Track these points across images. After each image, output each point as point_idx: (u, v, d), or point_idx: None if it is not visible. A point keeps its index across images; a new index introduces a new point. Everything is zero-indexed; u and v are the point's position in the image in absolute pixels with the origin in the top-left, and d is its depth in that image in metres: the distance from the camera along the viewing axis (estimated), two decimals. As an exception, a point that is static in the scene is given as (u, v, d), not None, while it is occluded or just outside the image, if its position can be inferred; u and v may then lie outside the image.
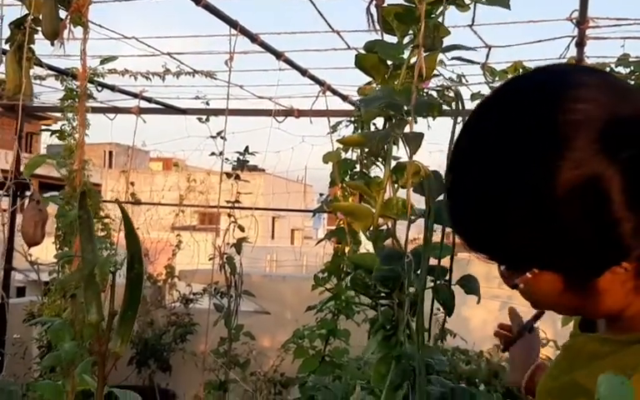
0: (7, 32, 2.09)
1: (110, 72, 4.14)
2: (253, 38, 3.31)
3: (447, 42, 1.67)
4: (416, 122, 1.47)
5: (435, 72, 1.73)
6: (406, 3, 1.63)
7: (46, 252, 4.65)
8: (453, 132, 1.44)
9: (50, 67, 3.50)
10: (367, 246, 3.11)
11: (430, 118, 1.91)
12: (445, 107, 1.84)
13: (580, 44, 2.94)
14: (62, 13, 2.08)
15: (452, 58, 1.60)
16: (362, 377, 3.10)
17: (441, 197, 1.57)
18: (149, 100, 4.70)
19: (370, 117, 1.67)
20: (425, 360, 1.57)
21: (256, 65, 4.23)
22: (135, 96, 4.53)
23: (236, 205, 4.78)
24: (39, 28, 2.07)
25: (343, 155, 4.17)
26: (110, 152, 20.76)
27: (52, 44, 2.02)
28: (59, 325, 2.10)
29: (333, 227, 4.40)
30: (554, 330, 4.47)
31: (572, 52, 2.94)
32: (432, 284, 1.66)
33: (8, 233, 4.21)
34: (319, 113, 4.42)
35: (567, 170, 0.74)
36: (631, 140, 0.76)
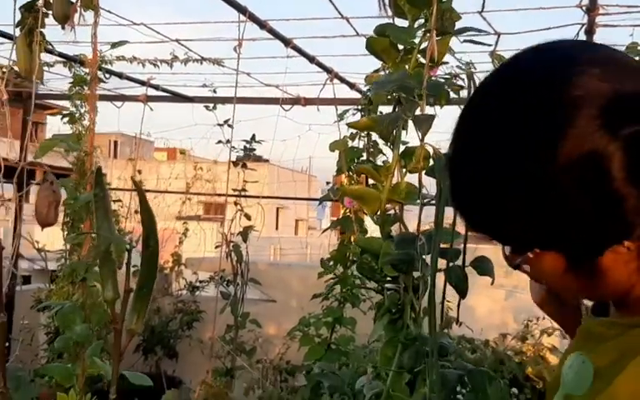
0: (18, 16, 2.09)
1: (118, 59, 4.15)
2: (262, 25, 3.31)
3: (457, 28, 1.67)
4: (428, 104, 1.48)
5: (444, 59, 1.74)
6: (418, -13, 1.63)
7: (52, 240, 4.68)
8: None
9: (58, 54, 3.50)
10: (373, 235, 3.12)
11: (437, 107, 1.91)
12: (453, 94, 1.84)
13: (589, 31, 2.94)
14: (73, -2, 2.09)
15: (464, 41, 1.60)
16: (368, 364, 3.11)
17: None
18: (156, 88, 4.70)
19: (380, 100, 1.67)
20: (439, 343, 1.58)
21: (263, 52, 4.23)
22: (142, 83, 4.54)
23: (242, 193, 4.79)
24: (50, 12, 2.08)
25: (350, 143, 4.17)
26: (115, 142, 20.79)
27: (63, 28, 2.03)
28: (70, 308, 2.12)
29: (337, 218, 4.41)
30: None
31: (582, 39, 2.94)
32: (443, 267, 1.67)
33: (15, 221, 4.23)
34: (326, 102, 4.42)
35: (569, 146, 0.74)
36: (633, 117, 0.75)
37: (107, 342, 2.37)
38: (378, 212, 1.84)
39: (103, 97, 4.25)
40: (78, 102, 3.58)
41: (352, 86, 4.59)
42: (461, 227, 1.82)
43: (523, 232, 0.80)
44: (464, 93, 1.84)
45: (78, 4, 1.98)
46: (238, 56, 3.15)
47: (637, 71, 0.80)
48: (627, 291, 0.85)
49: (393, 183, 1.73)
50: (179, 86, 4.93)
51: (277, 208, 21.04)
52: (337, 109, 4.09)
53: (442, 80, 1.76)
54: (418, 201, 1.66)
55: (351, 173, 4.08)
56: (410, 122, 1.60)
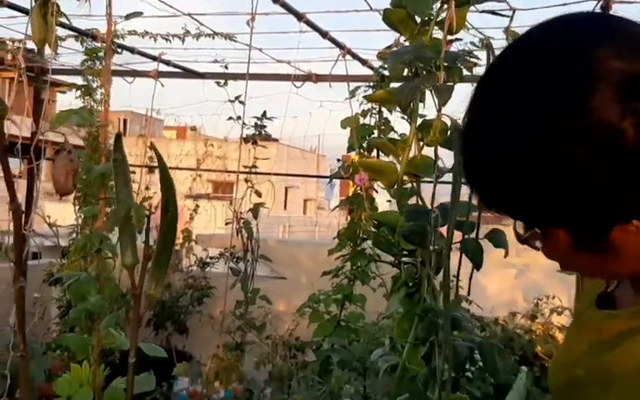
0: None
1: (130, 34, 4.14)
2: (275, -1, 3.30)
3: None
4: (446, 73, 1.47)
5: (458, 36, 1.72)
6: (435, -43, 1.62)
7: (64, 215, 4.70)
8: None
9: (70, 27, 3.50)
10: (385, 211, 3.12)
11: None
12: (466, 72, 1.83)
13: (605, 8, 2.91)
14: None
15: (482, 12, 1.59)
16: (379, 341, 3.12)
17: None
18: (167, 63, 4.69)
19: (397, 73, 1.67)
20: (452, 315, 1.58)
21: (276, 27, 4.21)
22: (154, 58, 4.53)
23: (253, 170, 4.79)
24: (64, -17, 2.07)
25: (361, 120, 4.17)
26: (125, 120, 20.82)
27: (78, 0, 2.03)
28: (85, 279, 2.13)
29: (348, 196, 4.41)
30: (569, 297, 4.48)
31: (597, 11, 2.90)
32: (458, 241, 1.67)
33: (27, 196, 4.25)
34: (338, 78, 4.40)
35: (583, 120, 0.73)
36: None
37: (119, 316, 2.38)
38: (395, 186, 1.84)
39: (115, 73, 4.24)
40: (90, 77, 3.58)
41: (364, 62, 4.57)
42: (476, 201, 1.82)
43: (535, 207, 0.79)
44: (477, 70, 1.83)
45: (93, -25, 1.98)
46: (251, 30, 3.14)
47: None
48: None
49: (410, 156, 1.73)
50: (190, 61, 4.92)
51: (286, 188, 21.06)
52: (348, 86, 4.08)
53: (460, 52, 1.75)
54: (435, 174, 1.66)
55: (362, 151, 4.07)
56: (427, 95, 1.60)
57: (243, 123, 4.50)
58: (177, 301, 5.26)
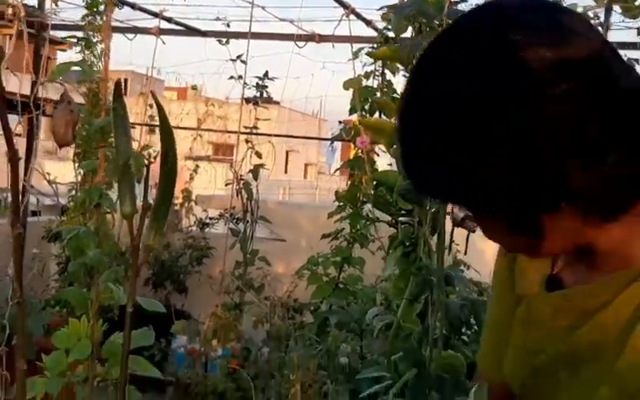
0: None
1: (132, -12, 4.09)
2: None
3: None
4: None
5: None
6: None
7: (63, 173, 4.69)
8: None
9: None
10: (385, 173, 3.11)
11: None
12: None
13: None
14: None
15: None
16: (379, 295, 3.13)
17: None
18: (169, 20, 4.64)
19: (401, 28, 1.64)
20: (445, 273, 1.59)
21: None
22: (155, 15, 4.47)
23: (254, 131, 4.78)
24: None
25: (364, 82, 4.14)
26: (125, 80, 20.68)
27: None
28: (84, 233, 2.13)
29: (349, 159, 4.40)
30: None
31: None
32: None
33: (26, 152, 4.23)
34: (341, 39, 4.36)
35: (505, 111, 0.75)
36: (571, 80, 0.76)
37: (118, 271, 2.39)
38: (395, 146, 1.83)
39: (115, 29, 4.19)
40: (91, 33, 3.54)
41: (368, 23, 4.52)
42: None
43: (465, 195, 0.82)
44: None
45: None
46: (255, -14, 3.09)
47: (578, 36, 0.80)
48: (584, 247, 0.86)
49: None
50: (192, 19, 4.87)
51: (287, 152, 21.01)
52: (352, 47, 4.03)
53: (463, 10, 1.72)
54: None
55: (364, 113, 4.05)
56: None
57: (245, 83, 4.47)
58: (176, 260, 5.28)
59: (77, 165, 3.86)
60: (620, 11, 2.17)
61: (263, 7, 4.39)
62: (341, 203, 4.25)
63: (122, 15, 4.35)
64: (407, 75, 0.89)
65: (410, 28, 1.74)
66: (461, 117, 0.77)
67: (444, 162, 0.79)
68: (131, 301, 1.15)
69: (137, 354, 2.24)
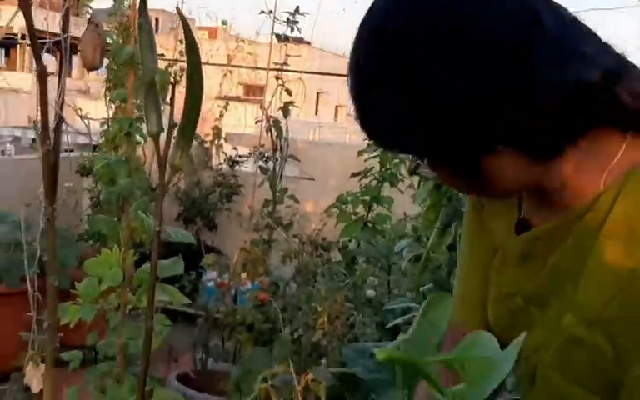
0: None
1: None
2: None
3: None
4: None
5: None
6: None
7: (95, 113, 4.71)
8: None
9: None
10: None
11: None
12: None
13: None
14: None
15: None
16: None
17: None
18: (199, -46, 4.58)
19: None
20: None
21: None
22: (185, -52, 4.41)
23: (284, 68, 4.73)
24: None
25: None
26: (157, 19, 20.63)
27: None
28: (115, 162, 2.15)
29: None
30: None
31: None
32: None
33: (58, 85, 4.26)
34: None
35: (431, 55, 0.79)
36: (493, 28, 0.80)
37: (147, 202, 2.40)
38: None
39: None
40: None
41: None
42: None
43: (406, 139, 0.86)
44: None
45: None
46: None
47: None
48: (536, 186, 0.90)
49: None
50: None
51: (318, 93, 20.85)
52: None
53: None
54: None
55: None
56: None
57: (275, 18, 4.42)
58: (206, 197, 5.33)
59: (108, 99, 3.88)
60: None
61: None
62: (371, 142, 4.21)
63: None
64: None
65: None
66: (390, 59, 0.81)
67: (381, 110, 0.84)
68: (158, 220, 1.16)
69: (168, 282, 2.28)
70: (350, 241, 4.16)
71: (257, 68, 5.99)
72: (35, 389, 1.43)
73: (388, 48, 0.81)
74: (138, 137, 2.11)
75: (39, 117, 1.15)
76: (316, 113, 20.32)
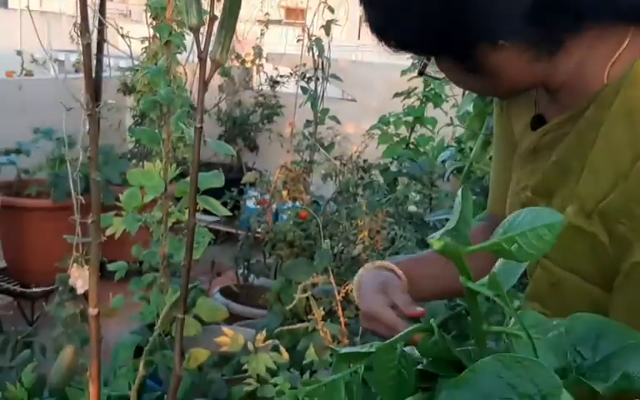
0: None
1: None
2: None
3: None
4: None
5: None
6: None
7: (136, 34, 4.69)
8: None
9: None
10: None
11: None
12: None
13: None
14: None
15: None
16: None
17: None
18: None
19: None
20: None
21: None
22: None
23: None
24: None
25: None
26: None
27: None
28: (155, 71, 2.13)
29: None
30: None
31: None
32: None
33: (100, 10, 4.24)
34: None
35: None
36: None
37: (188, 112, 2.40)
38: None
39: None
40: None
41: None
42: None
43: (416, 35, 0.89)
44: None
45: None
46: None
47: None
48: (544, 81, 0.92)
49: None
50: None
51: (360, 17, 20.40)
52: None
53: None
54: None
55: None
56: None
57: None
58: (247, 118, 5.31)
59: (148, 14, 3.85)
60: None
61: None
62: (415, 61, 4.11)
63: None
64: None
65: None
66: None
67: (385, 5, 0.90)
68: (200, 113, 1.14)
69: (209, 194, 2.29)
70: (391, 163, 4.12)
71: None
72: (80, 290, 1.46)
73: None
74: (178, 48, 2.08)
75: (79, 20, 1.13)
76: (358, 37, 19.96)
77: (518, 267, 0.74)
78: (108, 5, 5.00)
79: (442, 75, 0.99)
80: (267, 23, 5.36)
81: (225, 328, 2.17)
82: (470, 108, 1.76)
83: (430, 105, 4.24)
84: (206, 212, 4.03)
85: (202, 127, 1.15)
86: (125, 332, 2.35)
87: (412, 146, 4.21)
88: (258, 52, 5.34)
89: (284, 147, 4.76)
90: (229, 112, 5.29)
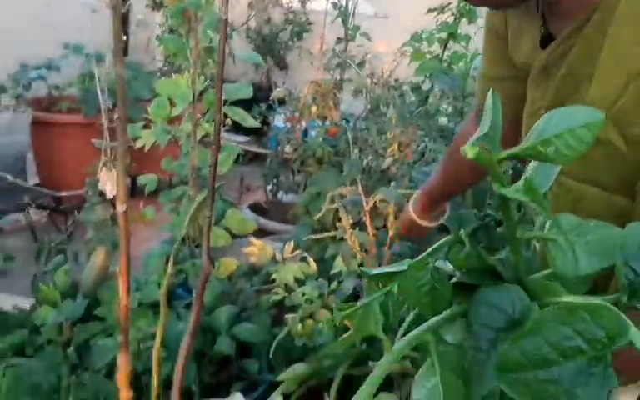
0: None
1: None
2: None
3: None
4: None
5: None
6: None
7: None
8: None
9: None
10: None
11: None
12: None
13: None
14: None
15: None
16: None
17: None
18: None
19: None
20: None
21: None
22: None
23: None
24: None
25: None
26: None
27: None
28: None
29: None
30: None
31: None
32: None
33: None
34: None
35: None
36: None
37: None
38: None
39: None
40: None
41: None
42: None
43: None
44: None
45: None
46: None
47: None
48: None
49: None
50: None
51: None
52: None
53: None
54: None
55: None
56: None
57: None
58: (276, 36, 5.23)
59: None
60: None
61: None
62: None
63: None
64: None
65: None
66: None
67: None
68: (224, 15, 1.11)
69: (238, 105, 2.27)
70: (423, 82, 4.04)
71: None
72: (109, 194, 1.47)
73: None
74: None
75: None
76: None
77: (552, 170, 0.73)
78: None
79: None
80: (296, -64, 5.21)
81: (254, 240, 2.18)
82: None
83: (464, 21, 4.11)
84: (236, 129, 4.01)
85: (227, 19, 1.12)
86: (156, 245, 2.38)
87: (445, 63, 4.10)
88: (288, -33, 5.22)
89: (314, 65, 4.69)
90: (258, 30, 5.21)
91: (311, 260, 1.92)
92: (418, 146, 2.31)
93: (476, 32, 3.63)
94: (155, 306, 1.80)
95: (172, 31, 4.25)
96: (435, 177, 1.47)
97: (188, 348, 0.97)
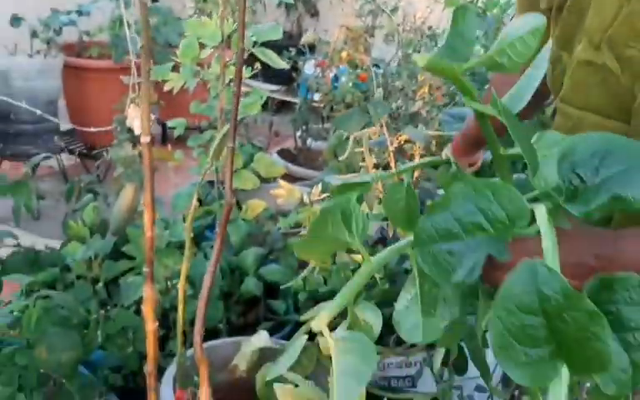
0: None
1: None
2: None
3: None
4: None
5: None
6: None
7: None
8: None
9: None
10: None
11: None
12: None
13: None
14: None
15: None
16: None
17: None
18: None
19: None
20: None
21: None
22: None
23: None
24: None
25: None
26: None
27: None
28: None
29: None
30: None
31: None
32: None
33: None
34: None
35: None
36: None
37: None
38: None
39: None
40: None
41: None
42: None
43: None
44: None
45: None
46: None
47: None
48: None
49: None
50: None
51: None
52: None
53: None
54: None
55: None
56: None
57: None
58: (307, -19, 5.15)
59: None
60: None
61: None
62: None
63: None
64: None
65: None
66: None
67: None
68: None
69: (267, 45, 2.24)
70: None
71: None
72: (137, 130, 1.45)
73: None
74: None
75: None
76: None
77: (529, 88, 0.76)
78: None
79: None
80: None
81: (282, 182, 2.17)
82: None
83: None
84: (266, 77, 3.97)
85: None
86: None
87: (480, 9, 4.02)
88: None
89: (345, 11, 4.60)
90: (289, -25, 5.12)
91: (338, 202, 1.89)
92: (450, 88, 2.26)
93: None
94: (183, 246, 1.81)
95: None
96: (470, 120, 1.44)
97: (212, 279, 0.96)
